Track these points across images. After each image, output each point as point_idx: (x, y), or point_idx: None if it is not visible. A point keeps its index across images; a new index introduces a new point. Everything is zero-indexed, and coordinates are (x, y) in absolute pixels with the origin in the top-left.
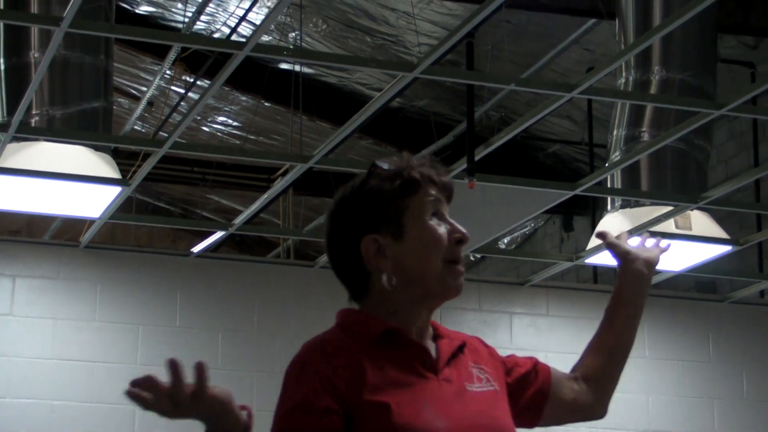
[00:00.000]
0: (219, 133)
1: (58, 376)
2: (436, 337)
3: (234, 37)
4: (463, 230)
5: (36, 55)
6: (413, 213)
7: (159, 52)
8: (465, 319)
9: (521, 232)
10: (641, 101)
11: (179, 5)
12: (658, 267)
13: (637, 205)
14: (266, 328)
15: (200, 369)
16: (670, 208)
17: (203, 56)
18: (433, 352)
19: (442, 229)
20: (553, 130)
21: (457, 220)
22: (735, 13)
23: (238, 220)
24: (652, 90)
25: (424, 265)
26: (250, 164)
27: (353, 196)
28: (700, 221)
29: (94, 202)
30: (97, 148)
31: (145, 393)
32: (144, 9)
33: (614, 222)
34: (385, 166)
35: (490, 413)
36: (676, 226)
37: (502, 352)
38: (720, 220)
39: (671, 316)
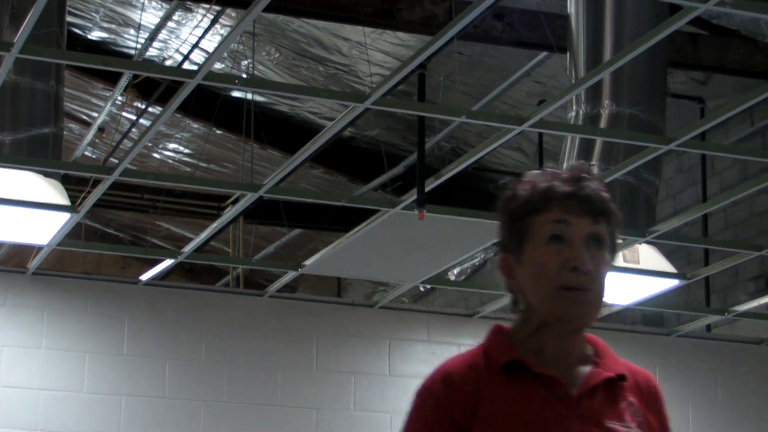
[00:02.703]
0: (170, 160)
1: (3, 404)
2: (595, 363)
3: (186, 64)
4: (583, 258)
5: None
6: (532, 236)
7: (111, 78)
8: (414, 350)
9: (471, 263)
10: (591, 135)
11: (132, 31)
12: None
13: None
14: (214, 357)
15: None
16: (619, 241)
17: (155, 82)
18: (577, 381)
19: (554, 256)
20: (504, 161)
21: (406, 251)
22: (685, 48)
23: (188, 247)
24: (602, 124)
25: (533, 292)
26: (201, 192)
27: (501, 209)
28: (648, 255)
29: (42, 229)
30: (46, 174)
31: None
32: (96, 35)
33: None
34: (526, 179)
35: None
36: (624, 260)
37: None
38: (668, 254)
39: (618, 349)
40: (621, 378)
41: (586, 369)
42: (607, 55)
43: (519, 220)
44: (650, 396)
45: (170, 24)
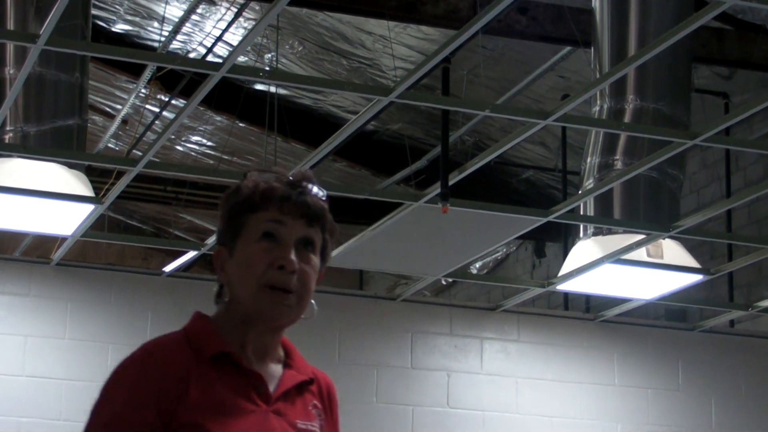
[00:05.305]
0: (193, 153)
1: (28, 394)
2: (287, 364)
3: (210, 57)
4: (290, 258)
5: (11, 72)
6: (247, 232)
7: (134, 71)
8: (437, 344)
9: (493, 257)
10: (615, 130)
11: (156, 24)
12: (630, 295)
13: (610, 232)
14: None
15: None
16: (642, 236)
17: (179, 75)
18: (275, 380)
19: (264, 253)
20: (527, 156)
21: (429, 244)
22: (709, 43)
23: (211, 239)
24: (626, 118)
25: (240, 286)
26: (224, 184)
27: (222, 203)
28: (672, 250)
29: (66, 220)
30: (70, 166)
31: None
32: (120, 27)
33: (586, 249)
34: (251, 178)
35: None
36: (648, 255)
37: (473, 378)
38: (691, 249)
39: (641, 344)
40: (311, 381)
41: (281, 369)
42: (632, 49)
43: (237, 215)
44: (329, 399)
45: (194, 17)
